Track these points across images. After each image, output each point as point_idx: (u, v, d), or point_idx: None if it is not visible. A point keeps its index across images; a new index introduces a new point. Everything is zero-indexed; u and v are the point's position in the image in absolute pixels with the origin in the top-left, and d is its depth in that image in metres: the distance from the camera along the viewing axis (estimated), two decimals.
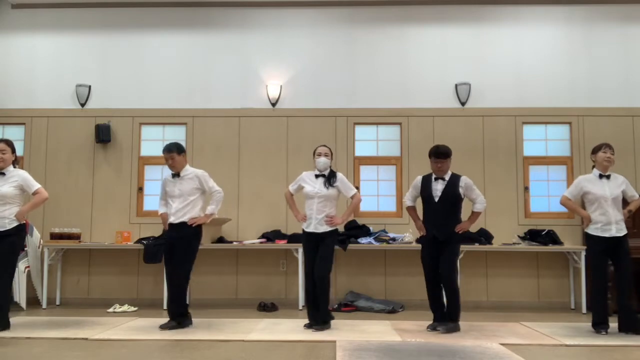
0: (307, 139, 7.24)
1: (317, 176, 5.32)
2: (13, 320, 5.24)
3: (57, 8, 7.64)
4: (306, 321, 5.27)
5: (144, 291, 7.10)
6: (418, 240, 5.58)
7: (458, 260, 5.50)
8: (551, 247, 6.76)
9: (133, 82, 7.52)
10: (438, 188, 5.18)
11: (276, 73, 7.47)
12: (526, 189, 7.25)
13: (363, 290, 6.98)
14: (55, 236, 6.91)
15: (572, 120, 7.31)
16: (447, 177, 5.21)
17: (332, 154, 5.41)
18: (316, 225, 5.23)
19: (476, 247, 6.77)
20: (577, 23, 7.48)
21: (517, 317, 6.07)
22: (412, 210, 5.48)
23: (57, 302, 7.00)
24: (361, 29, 7.55)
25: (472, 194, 5.24)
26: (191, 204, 5.27)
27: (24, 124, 7.48)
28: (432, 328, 5.15)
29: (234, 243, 6.93)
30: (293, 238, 6.90)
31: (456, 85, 7.36)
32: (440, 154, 5.18)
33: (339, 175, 5.35)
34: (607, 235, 5.05)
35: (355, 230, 6.97)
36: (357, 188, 6.81)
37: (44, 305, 6.72)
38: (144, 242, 6.84)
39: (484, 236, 6.88)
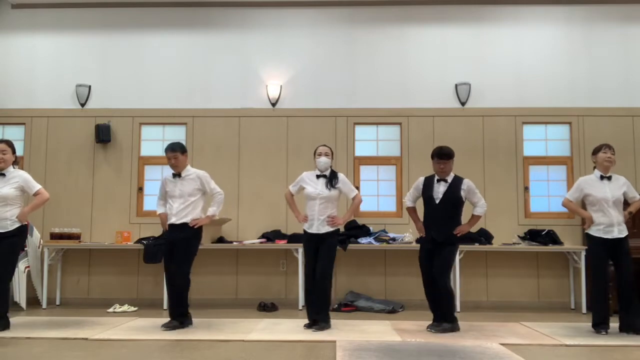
0: (307, 139, 7.24)
1: (318, 177, 5.31)
2: (13, 320, 5.25)
3: (57, 8, 7.64)
4: (306, 321, 5.27)
5: (144, 291, 7.10)
6: (417, 241, 5.57)
7: (455, 262, 5.50)
8: (551, 247, 6.76)
9: (133, 82, 7.52)
10: (440, 190, 5.18)
11: (276, 73, 7.47)
12: (526, 189, 7.25)
13: (363, 290, 6.98)
14: (55, 236, 6.91)
15: (572, 120, 7.31)
16: (449, 179, 5.20)
17: (332, 153, 5.40)
18: (318, 226, 5.22)
19: (476, 247, 6.77)
20: (577, 23, 7.48)
21: (517, 317, 6.07)
22: (412, 211, 5.47)
23: (57, 302, 7.00)
24: (361, 29, 7.55)
25: (473, 197, 5.23)
26: (192, 205, 5.26)
27: (24, 124, 7.48)
28: (432, 328, 5.15)
29: (234, 243, 6.93)
30: (293, 238, 6.90)
31: (456, 85, 7.36)
32: (443, 154, 5.17)
33: (341, 176, 5.34)
34: (609, 237, 5.05)
35: (355, 230, 6.97)
36: (357, 188, 6.81)
37: (44, 305, 6.72)
38: (144, 242, 6.84)
39: (484, 236, 6.88)
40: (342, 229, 6.75)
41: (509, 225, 7.10)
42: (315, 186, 5.27)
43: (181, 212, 5.22)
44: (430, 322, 5.21)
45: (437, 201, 5.16)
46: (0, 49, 7.65)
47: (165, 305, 6.58)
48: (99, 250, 7.14)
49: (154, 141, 7.49)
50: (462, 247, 6.47)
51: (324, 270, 5.13)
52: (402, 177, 7.28)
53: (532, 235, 6.89)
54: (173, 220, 5.24)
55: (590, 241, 5.16)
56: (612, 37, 7.44)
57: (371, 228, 7.03)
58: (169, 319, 5.22)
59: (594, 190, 5.12)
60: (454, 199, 5.16)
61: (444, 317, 5.11)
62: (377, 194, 7.36)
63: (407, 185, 6.98)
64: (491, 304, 6.98)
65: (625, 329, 4.98)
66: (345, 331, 5.08)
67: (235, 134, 7.39)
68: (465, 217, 5.27)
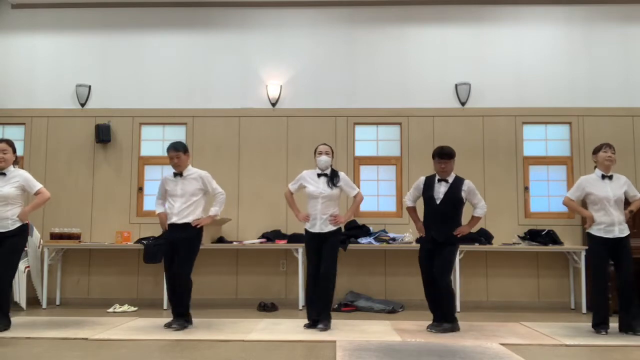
0: (307, 139, 7.24)
1: (319, 175, 5.30)
2: (13, 320, 5.24)
3: (57, 8, 7.64)
4: (306, 321, 5.26)
5: (144, 291, 7.10)
6: (417, 241, 5.57)
7: (455, 262, 5.49)
8: (551, 247, 6.76)
9: (133, 82, 7.52)
10: (441, 190, 5.17)
11: (276, 73, 7.47)
12: (526, 189, 7.25)
13: (363, 290, 6.98)
14: (55, 236, 6.91)
15: (572, 120, 7.32)
16: (450, 180, 5.19)
17: (333, 152, 5.40)
18: (321, 225, 5.21)
19: (476, 247, 6.77)
20: (577, 23, 7.48)
21: (517, 317, 6.07)
22: (412, 210, 5.46)
23: (57, 302, 6.99)
24: (361, 29, 7.55)
25: (474, 198, 5.23)
26: (194, 205, 5.25)
27: (24, 124, 7.48)
28: (432, 328, 5.15)
29: (234, 243, 6.93)
30: (293, 238, 6.90)
31: (456, 85, 7.36)
32: (444, 154, 5.16)
33: (342, 174, 5.34)
34: (610, 236, 5.05)
35: (355, 230, 6.97)
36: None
37: (44, 305, 6.72)
38: (144, 242, 6.83)
39: (484, 236, 6.88)
40: (342, 229, 6.75)
41: (509, 225, 7.10)
42: (317, 185, 5.26)
43: (183, 211, 5.21)
44: (430, 322, 5.21)
45: (438, 201, 5.16)
46: (0, 49, 7.65)
47: (165, 305, 6.60)
48: (99, 250, 7.14)
49: (154, 141, 7.49)
50: (462, 247, 6.47)
51: (327, 271, 5.12)
52: (402, 177, 7.28)
53: (532, 235, 6.89)
54: (174, 219, 5.21)
55: (591, 240, 5.15)
56: (612, 37, 7.44)
57: (371, 228, 7.03)
58: (169, 319, 5.23)
59: (595, 189, 5.12)
60: (454, 200, 5.16)
61: (444, 317, 5.10)
62: (377, 194, 7.36)
63: (407, 185, 6.98)
64: (491, 304, 6.98)
65: (625, 329, 4.98)
66: (345, 331, 5.08)
67: (235, 134, 7.39)
68: (465, 217, 5.27)
